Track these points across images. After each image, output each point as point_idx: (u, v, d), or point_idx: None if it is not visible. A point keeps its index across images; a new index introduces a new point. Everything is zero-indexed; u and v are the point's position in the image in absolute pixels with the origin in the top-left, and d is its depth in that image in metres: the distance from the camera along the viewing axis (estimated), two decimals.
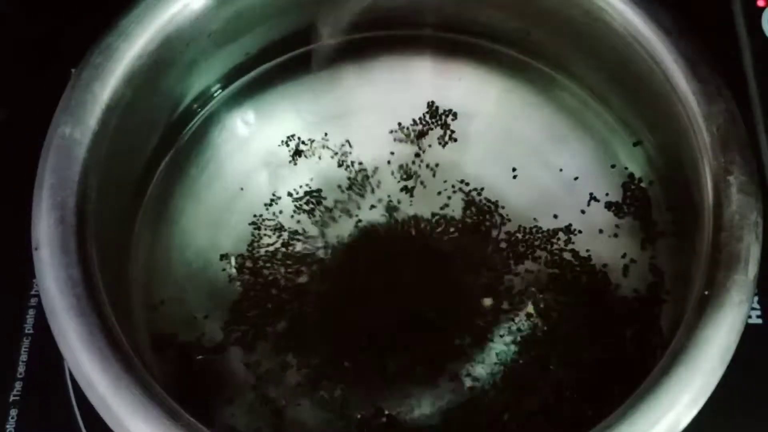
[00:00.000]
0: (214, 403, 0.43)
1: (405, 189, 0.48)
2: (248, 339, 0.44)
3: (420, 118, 0.50)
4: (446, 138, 0.49)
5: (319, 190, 0.48)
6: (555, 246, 0.46)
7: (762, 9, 0.53)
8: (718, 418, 0.41)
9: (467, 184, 0.48)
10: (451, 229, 0.46)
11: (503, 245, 0.46)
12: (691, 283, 0.38)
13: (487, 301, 0.44)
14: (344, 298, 0.45)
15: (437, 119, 0.50)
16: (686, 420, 0.35)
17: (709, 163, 0.40)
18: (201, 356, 0.44)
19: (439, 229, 0.46)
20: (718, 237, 0.38)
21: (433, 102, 0.50)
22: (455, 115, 0.50)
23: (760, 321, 0.46)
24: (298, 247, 0.46)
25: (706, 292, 0.37)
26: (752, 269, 0.37)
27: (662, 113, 0.43)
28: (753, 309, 0.46)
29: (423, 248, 0.46)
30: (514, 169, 0.48)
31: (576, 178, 0.48)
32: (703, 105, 0.41)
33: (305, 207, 0.47)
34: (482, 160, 0.49)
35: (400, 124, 0.50)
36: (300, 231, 0.47)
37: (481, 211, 0.47)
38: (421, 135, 0.49)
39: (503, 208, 0.47)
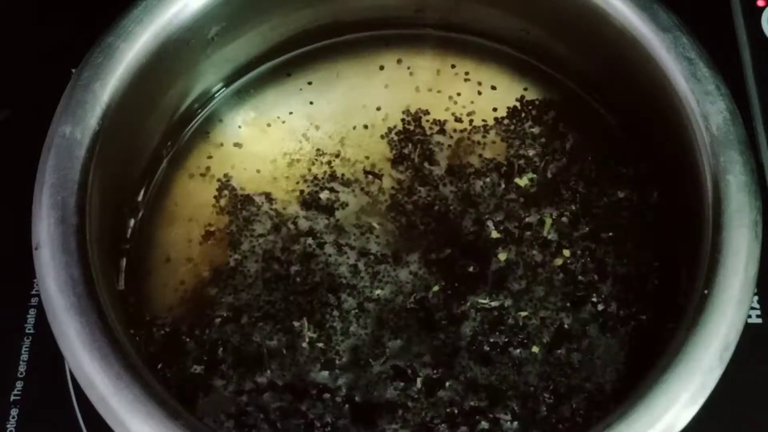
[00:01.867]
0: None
1: (405, 186, 0.48)
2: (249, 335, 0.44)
3: (419, 118, 0.50)
4: (445, 136, 0.49)
5: (318, 190, 0.48)
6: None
7: (762, 9, 0.53)
8: (717, 418, 0.41)
9: (466, 180, 0.48)
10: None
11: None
12: (693, 279, 0.39)
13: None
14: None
15: (436, 118, 0.50)
16: (685, 419, 0.35)
17: (708, 162, 0.40)
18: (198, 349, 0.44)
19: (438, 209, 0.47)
20: (717, 236, 0.38)
21: (432, 101, 0.50)
22: (454, 114, 0.50)
23: (759, 321, 0.46)
24: (296, 245, 0.46)
25: (706, 291, 0.37)
26: (752, 268, 0.37)
27: (662, 112, 0.43)
28: (753, 309, 0.46)
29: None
30: (513, 168, 0.48)
31: (574, 174, 0.48)
32: (703, 104, 0.41)
33: (305, 204, 0.48)
34: (481, 159, 0.49)
35: (399, 123, 0.50)
36: (295, 226, 0.47)
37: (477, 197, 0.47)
38: (420, 134, 0.49)
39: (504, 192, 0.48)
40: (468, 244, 0.46)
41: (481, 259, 0.46)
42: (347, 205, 0.48)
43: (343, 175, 0.48)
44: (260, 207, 0.47)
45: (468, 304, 0.44)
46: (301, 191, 0.48)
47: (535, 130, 0.49)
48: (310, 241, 0.46)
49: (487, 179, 0.48)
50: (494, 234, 0.46)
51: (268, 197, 0.48)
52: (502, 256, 0.46)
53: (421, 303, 0.45)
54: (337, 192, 0.48)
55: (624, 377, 0.43)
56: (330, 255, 0.46)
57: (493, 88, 0.51)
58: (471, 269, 0.45)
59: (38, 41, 0.54)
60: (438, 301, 0.45)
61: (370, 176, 0.48)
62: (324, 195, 0.48)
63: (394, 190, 0.48)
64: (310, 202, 0.48)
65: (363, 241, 0.46)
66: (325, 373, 0.43)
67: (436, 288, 0.45)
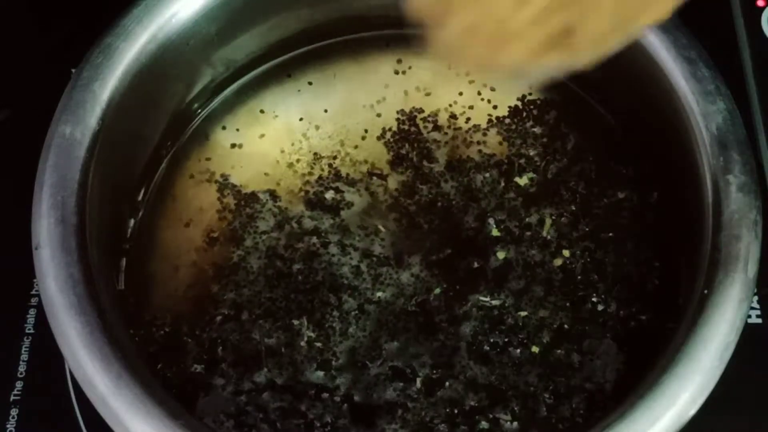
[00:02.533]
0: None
1: (407, 186, 0.48)
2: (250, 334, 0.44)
3: (417, 117, 0.50)
4: (441, 134, 0.49)
5: (323, 189, 0.48)
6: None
7: (762, 9, 0.53)
8: (717, 417, 0.41)
9: (466, 174, 0.48)
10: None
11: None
12: (693, 279, 0.39)
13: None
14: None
15: (436, 118, 0.50)
16: (685, 418, 0.35)
17: (708, 162, 0.40)
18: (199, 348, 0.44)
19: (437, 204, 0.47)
20: (717, 236, 0.38)
21: (432, 101, 0.50)
22: (455, 113, 0.50)
23: (759, 321, 0.46)
24: (299, 243, 0.46)
25: (706, 291, 0.37)
26: (752, 268, 0.37)
27: (662, 112, 0.43)
28: (753, 309, 0.46)
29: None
30: (513, 166, 0.48)
31: (574, 174, 0.48)
32: (703, 104, 0.41)
33: (310, 203, 0.47)
34: (481, 154, 0.48)
35: (398, 123, 0.50)
36: (299, 225, 0.47)
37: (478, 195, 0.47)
38: (420, 133, 0.49)
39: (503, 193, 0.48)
40: (469, 241, 0.46)
41: (482, 256, 0.46)
42: (352, 205, 0.48)
43: (347, 174, 0.48)
44: (264, 204, 0.47)
45: (469, 303, 0.44)
46: (306, 191, 0.48)
47: (537, 129, 0.49)
48: (314, 240, 0.46)
49: (487, 174, 0.48)
50: (495, 232, 0.46)
51: (273, 194, 0.48)
52: (501, 255, 0.46)
53: (422, 306, 0.45)
54: (342, 192, 0.48)
55: (624, 377, 0.43)
56: (333, 255, 0.46)
57: (493, 89, 0.51)
58: (475, 265, 0.45)
59: (38, 41, 0.54)
60: (439, 303, 0.44)
61: (374, 177, 0.48)
62: (329, 195, 0.48)
63: (396, 191, 0.48)
64: (315, 202, 0.48)
65: (367, 242, 0.46)
66: (321, 373, 0.43)
67: (437, 290, 0.45)
